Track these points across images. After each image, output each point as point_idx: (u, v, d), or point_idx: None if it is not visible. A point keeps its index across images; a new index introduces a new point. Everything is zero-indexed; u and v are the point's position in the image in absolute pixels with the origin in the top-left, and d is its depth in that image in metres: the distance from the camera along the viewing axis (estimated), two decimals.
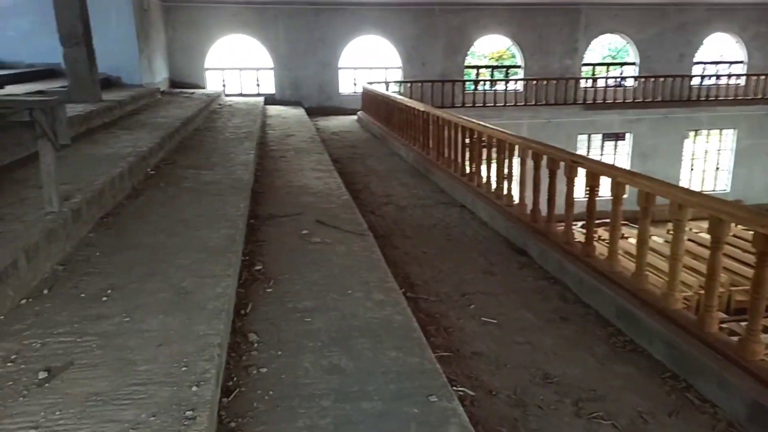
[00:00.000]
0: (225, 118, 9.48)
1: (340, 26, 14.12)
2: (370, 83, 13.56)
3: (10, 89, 7.35)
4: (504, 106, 14.68)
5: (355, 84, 14.93)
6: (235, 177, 5.08)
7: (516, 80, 15.34)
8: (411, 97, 13.26)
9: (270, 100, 14.04)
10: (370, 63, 15.73)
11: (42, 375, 1.95)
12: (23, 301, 2.47)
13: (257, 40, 13.96)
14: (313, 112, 13.87)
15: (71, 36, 7.24)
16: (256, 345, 2.63)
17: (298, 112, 13.05)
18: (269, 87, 14.55)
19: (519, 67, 15.66)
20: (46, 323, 2.31)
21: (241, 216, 3.96)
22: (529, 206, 5.05)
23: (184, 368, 2.05)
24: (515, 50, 15.71)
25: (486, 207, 5.77)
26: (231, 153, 6.26)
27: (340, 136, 11.20)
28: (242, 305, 3.00)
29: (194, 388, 1.93)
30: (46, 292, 2.58)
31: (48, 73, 9.37)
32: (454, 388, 2.75)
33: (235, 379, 2.36)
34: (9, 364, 2.01)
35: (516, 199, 5.47)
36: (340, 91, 14.78)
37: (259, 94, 14.33)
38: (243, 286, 3.25)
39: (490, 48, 21.20)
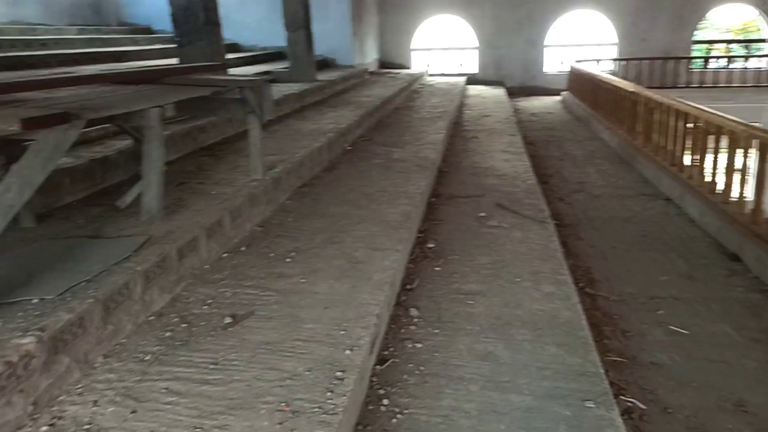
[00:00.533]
0: (424, 98, 9.74)
1: (550, 1, 13.44)
2: (579, 61, 12.72)
3: (245, 69, 8.48)
4: (741, 86, 12.64)
5: (561, 63, 14.15)
6: (422, 155, 5.21)
7: (760, 56, 13.05)
8: (626, 77, 12.14)
9: (472, 79, 14.03)
10: (580, 40, 14.74)
11: (227, 320, 2.26)
12: (224, 255, 2.87)
13: (463, 19, 13.99)
14: (515, 93, 13.54)
15: (294, 21, 8.05)
16: (415, 320, 2.71)
17: (498, 92, 12.84)
18: (472, 67, 14.53)
19: (765, 41, 13.29)
20: (238, 276, 2.66)
21: (420, 194, 4.06)
22: (750, 204, 4.32)
23: (342, 332, 2.20)
24: (763, 21, 13.35)
25: (696, 202, 5.08)
26: (423, 132, 6.42)
27: (539, 118, 10.76)
28: (409, 280, 3.11)
29: (347, 352, 2.07)
30: (243, 249, 2.97)
31: (277, 55, 10.55)
32: (621, 397, 2.53)
33: (391, 349, 2.46)
34: (204, 307, 2.37)
35: (734, 195, 4.72)
36: (545, 70, 14.13)
37: (461, 74, 14.41)
38: (413, 262, 3.35)
39: (731, 20, 18.32)
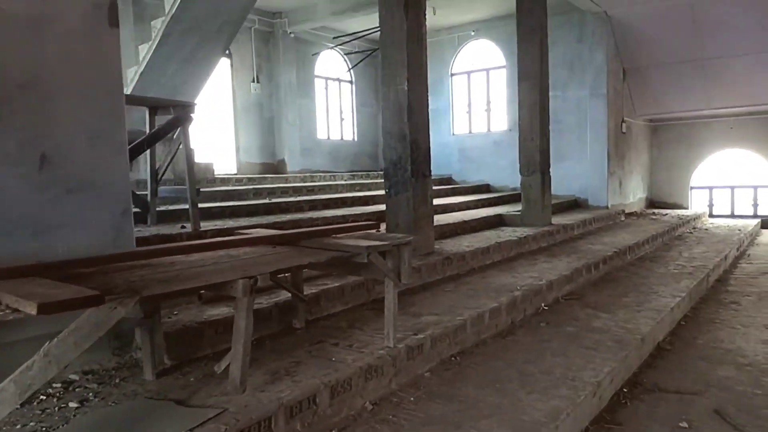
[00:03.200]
0: (686, 246, 8.30)
1: None
2: None
3: (476, 212, 8.58)
4: None
5: None
6: (630, 327, 4.29)
7: None
8: None
9: None
10: None
11: None
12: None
13: (760, 155, 11.88)
14: None
15: (529, 165, 7.93)
16: None
17: None
18: None
19: None
20: None
21: (595, 384, 3.27)
22: None
23: None
24: None
25: None
26: (653, 293, 5.36)
27: None
28: None
29: None
30: None
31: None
32: None
33: None
34: None
35: None
36: None
37: (755, 215, 12.03)
38: None
39: None
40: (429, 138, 5.59)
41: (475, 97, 12.11)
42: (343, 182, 9.99)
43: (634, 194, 11.96)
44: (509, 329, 4.30)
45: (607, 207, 10.40)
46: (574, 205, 10.60)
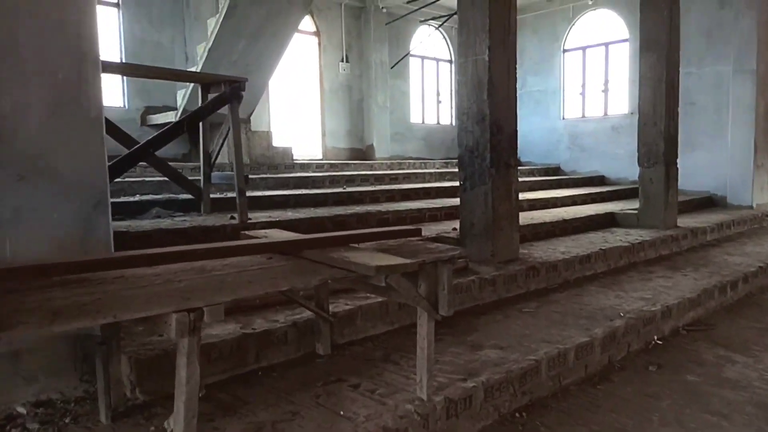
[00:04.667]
0: None
1: None
2: None
3: (586, 208, 7.33)
4: None
5: None
6: None
7: None
8: None
9: None
10: None
11: None
12: None
13: None
14: None
15: (650, 155, 6.60)
16: None
17: None
18: None
19: None
20: None
21: None
22: None
23: None
24: None
25: None
26: None
27: None
28: None
29: None
30: None
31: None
32: None
33: None
34: None
35: None
36: None
37: None
38: None
39: None
40: (516, 120, 4.58)
41: (590, 77, 10.63)
42: (433, 170, 9.13)
43: None
44: (604, 372, 3.25)
45: (751, 207, 8.60)
46: (708, 203, 8.90)
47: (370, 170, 8.72)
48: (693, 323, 4.11)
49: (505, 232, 4.54)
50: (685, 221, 6.93)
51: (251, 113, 7.41)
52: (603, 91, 10.35)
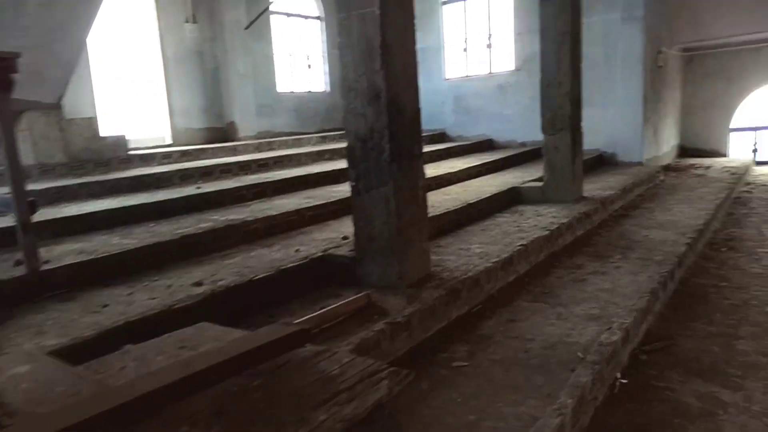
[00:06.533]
0: (757, 216, 6.32)
1: None
2: None
3: (505, 177, 6.50)
4: None
5: None
6: None
7: None
8: None
9: None
10: None
11: None
12: None
13: None
14: None
15: (555, 121, 5.81)
16: None
17: None
18: None
19: None
20: None
21: None
22: None
23: None
24: None
25: None
26: None
27: None
28: None
29: None
30: None
31: (536, 154, 8.37)
32: None
33: None
34: None
35: None
36: None
37: None
38: None
39: None
40: (418, 95, 3.46)
41: (473, 31, 9.76)
42: (309, 149, 7.83)
43: (668, 143, 9.87)
44: None
45: (641, 163, 8.35)
46: (600, 162, 8.52)
47: (233, 155, 7.23)
48: (648, 340, 3.34)
49: (414, 244, 3.46)
50: (588, 188, 6.33)
51: (61, 96, 5.59)
52: (487, 46, 9.54)
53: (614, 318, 3.21)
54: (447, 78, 10.05)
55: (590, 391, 2.55)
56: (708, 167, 9.04)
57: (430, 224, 4.57)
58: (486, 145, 9.48)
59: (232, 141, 8.20)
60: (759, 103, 10.67)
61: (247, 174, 6.29)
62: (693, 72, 10.65)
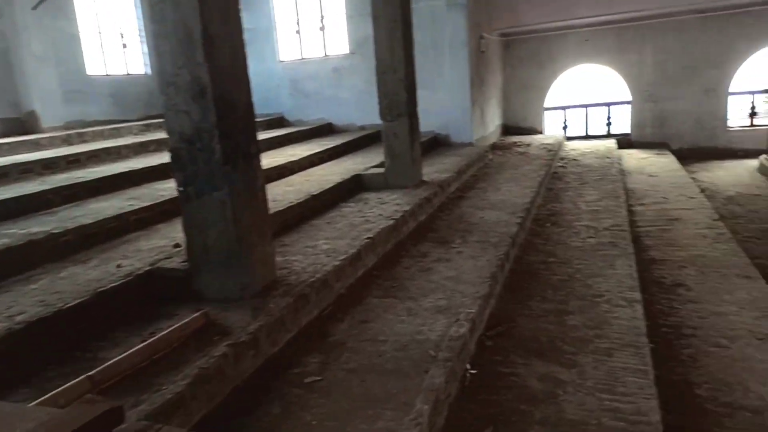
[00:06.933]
0: (572, 190, 7.00)
1: (737, 36, 10.11)
2: None
3: (347, 164, 6.36)
4: None
5: (753, 114, 10.67)
6: (628, 407, 2.53)
7: None
8: None
9: (624, 142, 11.01)
10: None
11: None
12: None
13: (613, 69, 11.07)
14: (684, 156, 10.28)
15: (392, 107, 5.82)
16: None
17: (666, 161, 9.71)
18: (622, 126, 11.49)
19: None
20: None
21: None
22: None
23: None
24: None
25: None
26: (600, 297, 3.74)
27: (745, 207, 7.50)
28: None
29: None
30: None
31: (376, 138, 8.41)
32: None
33: None
34: None
35: None
36: (729, 125, 10.71)
37: (609, 135, 11.43)
38: None
39: None
40: (249, 85, 3.16)
41: (305, 12, 9.47)
42: (131, 140, 7.03)
43: (493, 122, 10.57)
44: None
45: (471, 143, 8.81)
46: (434, 143, 8.83)
47: (36, 151, 6.23)
48: (492, 323, 3.47)
49: (256, 250, 3.19)
50: (426, 171, 6.50)
51: None
52: (320, 29, 9.33)
53: (461, 308, 3.26)
54: (282, 60, 9.68)
55: (444, 390, 2.54)
56: (528, 145, 9.84)
57: (274, 220, 4.34)
58: (326, 130, 9.34)
59: (34, 133, 7.07)
60: (567, 84, 11.88)
61: (54, 173, 5.44)
62: (511, 56, 11.49)
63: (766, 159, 9.25)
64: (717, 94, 10.48)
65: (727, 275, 4.51)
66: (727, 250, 5.09)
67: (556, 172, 8.14)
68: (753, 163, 9.72)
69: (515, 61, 11.49)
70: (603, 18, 10.06)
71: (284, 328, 2.98)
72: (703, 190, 7.89)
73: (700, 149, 10.75)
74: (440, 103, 8.63)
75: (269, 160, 6.64)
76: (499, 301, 3.78)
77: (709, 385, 3.03)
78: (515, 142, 10.19)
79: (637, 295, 3.75)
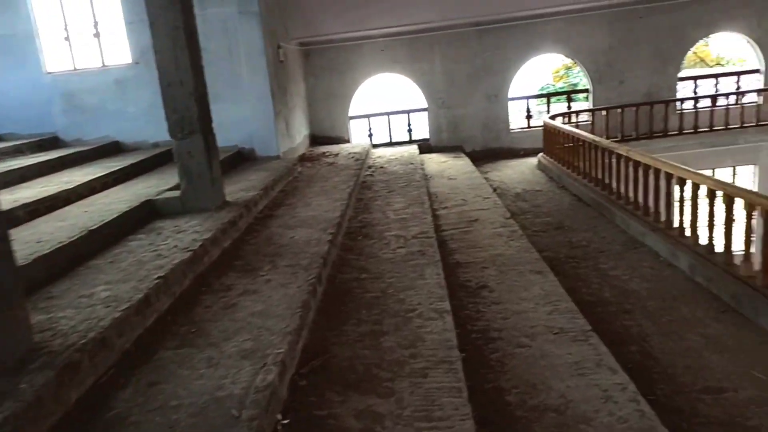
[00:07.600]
0: (381, 198, 7.08)
1: (510, 47, 11.27)
2: (553, 117, 10.53)
3: (138, 187, 5.55)
4: (740, 127, 10.84)
5: (529, 116, 11.98)
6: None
7: (758, 91, 11.28)
8: (607, 128, 10.21)
9: (425, 147, 11.61)
10: (545, 89, 12.67)
11: None
12: None
13: (408, 78, 11.60)
14: (477, 158, 11.19)
15: (183, 124, 5.26)
16: None
17: (462, 163, 10.43)
18: (421, 131, 12.12)
19: (758, 71, 11.58)
20: None
21: None
22: None
23: None
24: (755, 50, 11.59)
25: None
26: (413, 312, 3.70)
27: (530, 202, 8.32)
28: None
29: None
30: None
31: (172, 156, 7.66)
32: None
33: None
34: None
35: None
36: (511, 128, 11.90)
37: (411, 141, 11.97)
38: None
39: (717, 51, 16.96)
40: None
41: (75, 17, 8.27)
42: None
43: (300, 133, 10.37)
44: None
45: (279, 156, 8.50)
46: (238, 158, 8.33)
47: None
48: (305, 358, 3.20)
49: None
50: (230, 189, 6.06)
51: None
52: (95, 35, 8.22)
53: (269, 349, 2.94)
54: (49, 71, 8.35)
55: None
56: (337, 154, 9.83)
57: (36, 269, 3.61)
58: (112, 149, 8.26)
59: None
60: (371, 93, 12.17)
61: None
62: (312, 66, 11.42)
63: (542, 157, 10.42)
64: (498, 99, 11.57)
65: (523, 272, 4.83)
66: (520, 247, 5.49)
67: (365, 181, 8.21)
68: (533, 161, 10.90)
69: (317, 71, 11.44)
70: (395, 29, 10.48)
71: (43, 412, 2.37)
72: (495, 189, 8.57)
73: (489, 150, 11.77)
74: (242, 116, 8.17)
75: (37, 189, 5.63)
76: (312, 331, 3.53)
77: (518, 389, 3.12)
78: (324, 153, 10.12)
79: (447, 305, 3.78)
